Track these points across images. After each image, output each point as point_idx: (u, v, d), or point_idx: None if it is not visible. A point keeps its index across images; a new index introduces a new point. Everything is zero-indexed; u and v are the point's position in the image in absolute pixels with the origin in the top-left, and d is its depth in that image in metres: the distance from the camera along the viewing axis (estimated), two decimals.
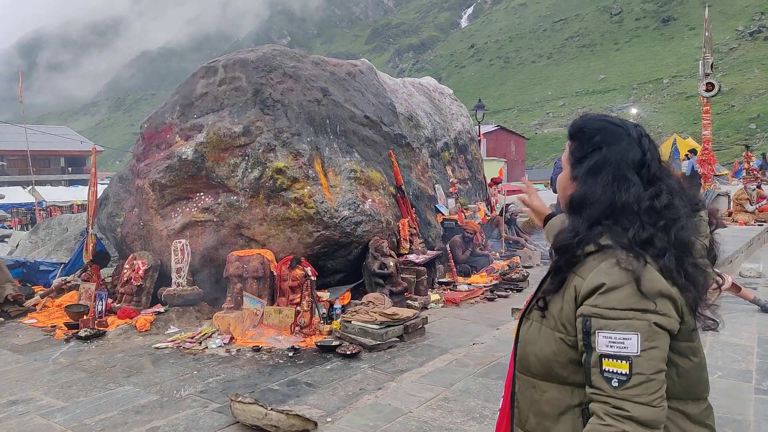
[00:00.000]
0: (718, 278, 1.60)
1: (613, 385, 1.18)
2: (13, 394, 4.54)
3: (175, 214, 7.08)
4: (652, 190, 1.30)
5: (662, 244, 1.25)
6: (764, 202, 14.45)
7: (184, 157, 6.91)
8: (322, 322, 6.23)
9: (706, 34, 16.99)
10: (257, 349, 5.60)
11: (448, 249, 9.00)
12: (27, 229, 15.71)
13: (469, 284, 8.42)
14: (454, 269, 8.83)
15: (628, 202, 1.28)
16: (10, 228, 18.98)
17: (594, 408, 1.21)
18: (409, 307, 6.66)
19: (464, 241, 9.28)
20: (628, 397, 1.17)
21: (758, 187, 15.17)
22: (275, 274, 6.53)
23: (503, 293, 8.07)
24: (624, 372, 1.18)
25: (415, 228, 8.27)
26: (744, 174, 16.95)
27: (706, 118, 16.82)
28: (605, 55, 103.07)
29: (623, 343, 1.18)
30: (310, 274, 6.37)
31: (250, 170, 6.81)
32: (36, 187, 22.51)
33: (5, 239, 12.21)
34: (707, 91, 16.41)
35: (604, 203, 1.28)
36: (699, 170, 15.17)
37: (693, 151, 17.27)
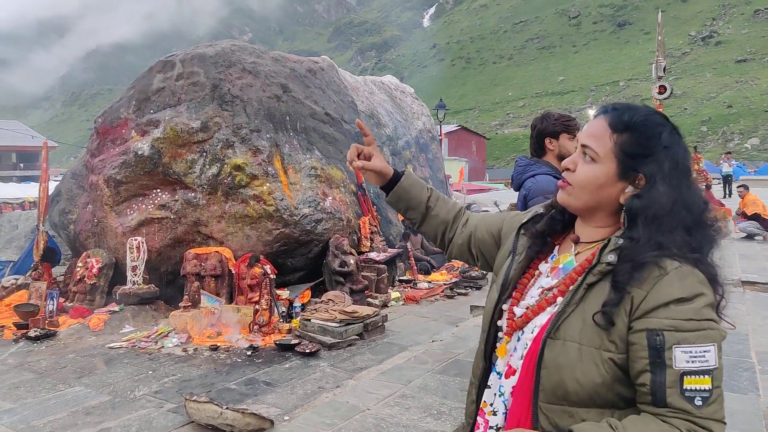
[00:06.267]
0: None
1: (697, 404, 1.08)
2: None
3: (131, 211, 6.92)
4: (704, 200, 1.24)
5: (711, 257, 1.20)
6: None
7: (140, 152, 6.76)
8: (281, 320, 6.20)
9: (659, 38, 17.60)
10: (215, 348, 5.53)
11: (409, 247, 9.07)
12: None
13: (430, 282, 8.50)
14: (415, 267, 8.91)
15: (700, 212, 1.20)
16: None
17: (674, 423, 1.09)
18: (369, 305, 6.69)
19: (413, 233, 9.38)
20: (710, 416, 1.08)
21: (707, 188, 15.83)
22: (234, 272, 6.46)
23: (463, 291, 8.19)
24: (707, 388, 1.08)
25: (376, 226, 8.30)
26: (694, 175, 17.63)
27: None
28: (564, 57, 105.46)
29: (704, 356, 1.09)
30: (269, 272, 6.32)
31: (208, 167, 6.71)
32: None
33: None
34: (660, 93, 16.99)
35: (682, 213, 1.19)
36: None
37: None
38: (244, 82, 7.12)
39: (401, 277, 8.49)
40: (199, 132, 6.74)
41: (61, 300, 6.67)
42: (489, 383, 1.35)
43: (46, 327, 6.07)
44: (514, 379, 1.26)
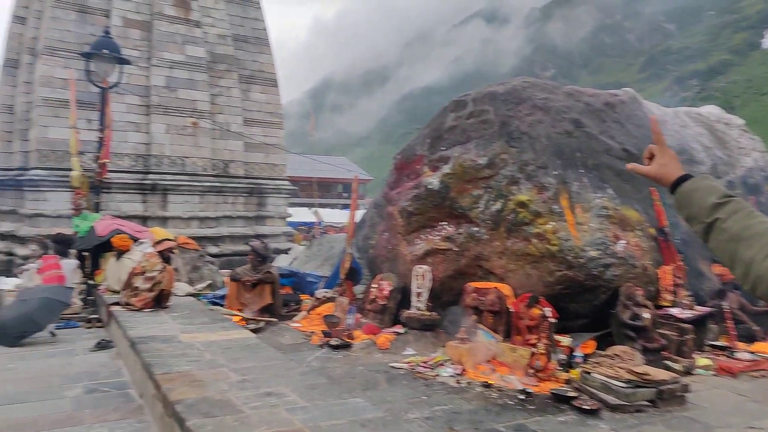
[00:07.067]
0: None
1: None
2: (270, 387, 5.16)
3: (419, 241, 7.40)
4: None
5: None
6: None
7: (430, 186, 7.20)
8: (559, 368, 5.77)
9: None
10: (487, 386, 5.43)
11: (725, 306, 7.53)
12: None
13: (753, 353, 6.90)
14: (733, 332, 7.34)
15: None
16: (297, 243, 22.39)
17: None
18: (666, 368, 5.76)
19: (730, 290, 7.70)
20: None
21: None
22: (512, 310, 6.29)
23: None
24: None
25: (681, 278, 7.16)
26: None
27: None
28: None
29: None
30: (549, 315, 5.97)
31: (492, 202, 6.75)
32: (318, 209, 26.13)
33: (288, 251, 14.43)
34: None
35: None
36: None
37: None
38: (533, 119, 7.03)
39: (713, 342, 7.10)
40: (485, 168, 6.86)
41: (358, 316, 7.47)
42: None
43: (344, 339, 6.85)
44: None
